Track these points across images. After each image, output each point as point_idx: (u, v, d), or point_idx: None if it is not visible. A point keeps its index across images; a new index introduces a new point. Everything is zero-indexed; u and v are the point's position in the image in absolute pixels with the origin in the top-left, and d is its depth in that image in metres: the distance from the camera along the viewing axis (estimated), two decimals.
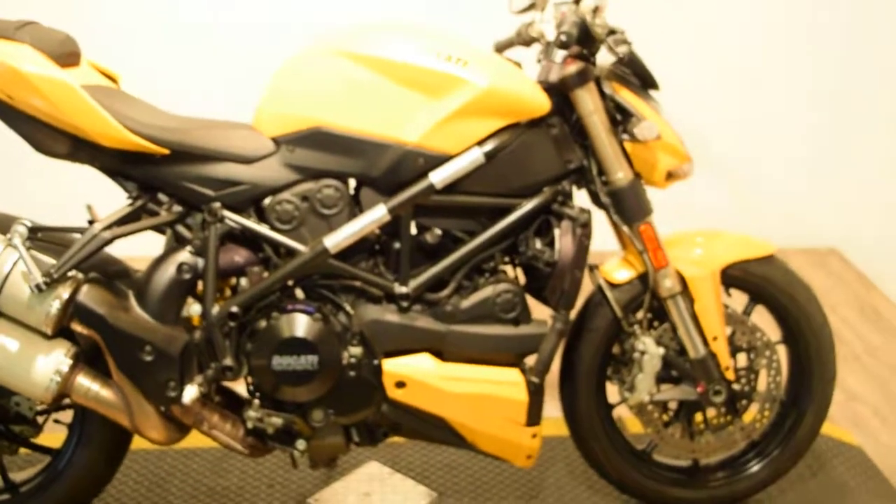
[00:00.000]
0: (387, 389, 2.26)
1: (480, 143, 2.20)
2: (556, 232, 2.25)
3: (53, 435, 2.38)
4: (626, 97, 2.25)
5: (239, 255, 2.25)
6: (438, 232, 2.26)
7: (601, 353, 2.43)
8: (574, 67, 2.21)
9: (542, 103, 2.21)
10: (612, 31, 2.18)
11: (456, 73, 2.15)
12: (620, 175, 2.27)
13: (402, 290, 2.24)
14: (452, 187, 2.22)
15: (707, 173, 4.08)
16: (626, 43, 2.16)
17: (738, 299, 2.47)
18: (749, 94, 4.09)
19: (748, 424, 2.50)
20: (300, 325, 2.21)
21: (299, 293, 2.29)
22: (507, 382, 2.28)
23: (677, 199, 4.17)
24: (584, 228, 2.22)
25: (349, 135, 2.19)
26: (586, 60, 2.24)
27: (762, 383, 2.48)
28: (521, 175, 2.24)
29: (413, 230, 2.27)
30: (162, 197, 2.24)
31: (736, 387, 2.47)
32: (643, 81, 2.32)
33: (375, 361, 2.26)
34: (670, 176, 2.33)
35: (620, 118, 2.26)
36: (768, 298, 2.46)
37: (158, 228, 2.25)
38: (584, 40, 2.16)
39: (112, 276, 2.26)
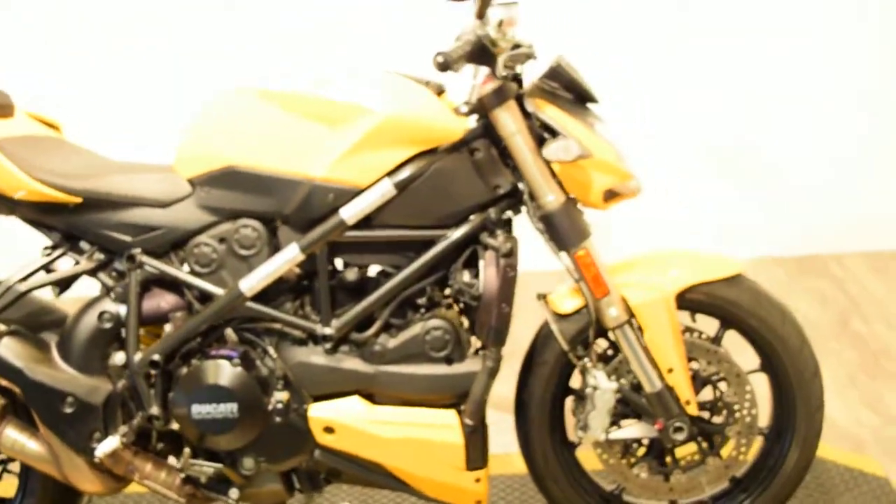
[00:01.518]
0: (315, 435, 2.17)
1: (391, 173, 2.07)
2: (481, 263, 2.11)
3: (9, 483, 2.39)
4: (552, 114, 2.08)
5: (164, 301, 2.20)
6: (358, 269, 2.15)
7: (553, 388, 2.26)
8: (490, 86, 2.06)
9: (452, 128, 2.07)
10: (516, 46, 2.02)
11: (354, 102, 2.04)
12: (551, 198, 2.10)
13: (326, 331, 2.14)
14: (370, 221, 2.10)
15: (756, 180, 3.86)
16: (529, 57, 2.00)
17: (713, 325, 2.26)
18: (799, 95, 3.80)
19: (728, 460, 2.28)
20: (218, 371, 2.13)
21: (234, 335, 2.22)
22: (442, 425, 2.15)
23: (738, 212, 3.99)
24: (507, 258, 2.07)
25: (260, 172, 2.11)
26: (511, 78, 2.09)
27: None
28: (443, 204, 2.11)
29: (341, 266, 2.17)
30: (84, 245, 2.21)
31: (707, 420, 2.25)
32: (578, 96, 2.15)
33: (303, 406, 2.17)
34: (612, 195, 2.14)
35: (549, 137, 2.09)
36: (738, 322, 2.23)
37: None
38: (482, 57, 2.00)
39: (45, 325, 2.25)
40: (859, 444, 2.79)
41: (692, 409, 2.20)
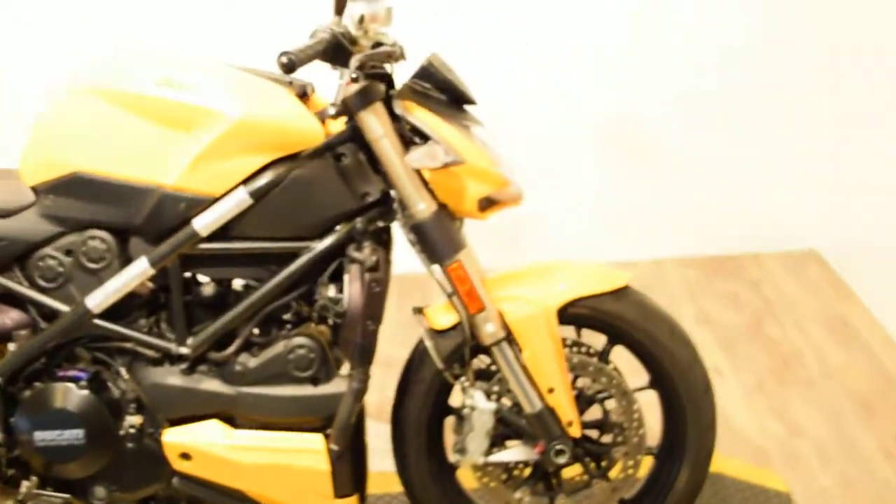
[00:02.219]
0: (171, 462, 2.02)
1: (246, 181, 1.92)
2: (346, 278, 1.96)
3: None
4: (422, 117, 1.94)
5: (8, 318, 2.04)
6: (215, 283, 2.00)
7: (430, 407, 2.12)
8: (355, 87, 1.91)
9: (312, 132, 1.92)
10: (378, 44, 1.88)
11: (202, 105, 1.88)
12: (421, 206, 1.96)
13: (181, 350, 1.99)
14: (227, 232, 1.95)
15: (678, 175, 3.75)
16: (391, 57, 1.86)
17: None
18: (723, 91, 3.69)
19: (615, 482, 2.16)
20: (62, 395, 1.98)
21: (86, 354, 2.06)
22: (306, 450, 2.00)
23: (651, 204, 3.88)
24: (373, 272, 1.93)
25: (107, 179, 1.95)
26: (378, 78, 1.94)
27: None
28: (305, 214, 1.96)
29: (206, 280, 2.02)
30: None
31: (594, 440, 2.14)
32: (454, 97, 2.00)
33: (158, 431, 2.01)
34: (489, 204, 2.00)
35: (420, 142, 1.95)
36: (625, 337, 2.11)
37: None
38: (339, 56, 1.86)
39: None
40: (763, 456, 2.69)
41: (575, 431, 2.08)
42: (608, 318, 2.08)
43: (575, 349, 2.16)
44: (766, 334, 3.31)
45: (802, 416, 2.87)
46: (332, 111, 1.95)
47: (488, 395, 2.07)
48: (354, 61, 1.81)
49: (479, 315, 2.00)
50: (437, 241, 1.97)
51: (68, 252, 1.99)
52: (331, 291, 1.98)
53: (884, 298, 3.34)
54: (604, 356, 2.14)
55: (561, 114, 3.73)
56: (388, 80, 1.97)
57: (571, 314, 2.07)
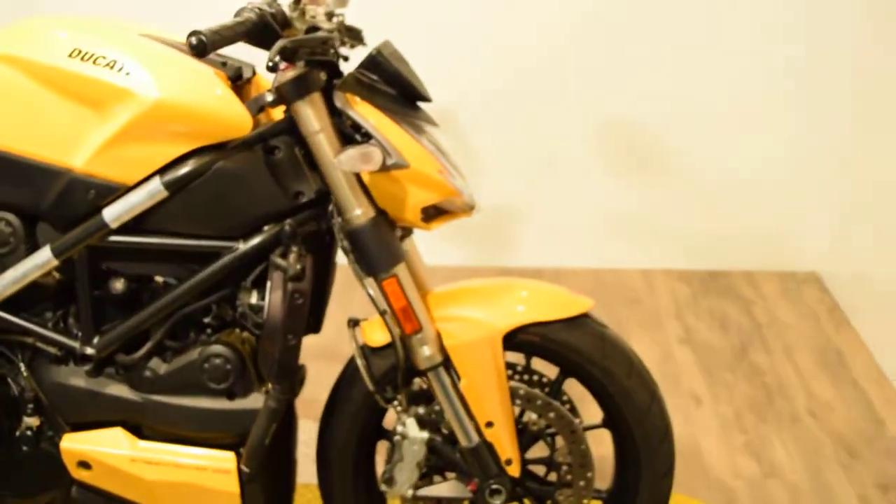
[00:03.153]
0: (70, 469, 1.84)
1: (162, 171, 1.73)
2: (269, 285, 1.77)
3: None
4: (365, 113, 1.74)
5: None
6: (126, 279, 1.82)
7: (359, 430, 1.93)
8: (291, 73, 1.71)
9: (238, 121, 1.72)
10: (313, 28, 1.67)
11: (114, 82, 1.68)
12: (357, 212, 1.76)
13: (86, 349, 1.81)
14: (142, 225, 1.76)
15: (675, 182, 3.53)
16: (325, 44, 1.65)
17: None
18: (729, 93, 3.47)
19: None
20: None
21: None
22: (216, 469, 1.83)
23: (644, 211, 3.65)
24: (295, 282, 1.73)
25: (13, 157, 1.76)
26: (320, 65, 1.74)
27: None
28: (228, 211, 1.77)
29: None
30: None
31: (539, 479, 1.95)
32: (406, 92, 1.80)
33: (58, 435, 1.84)
34: (437, 213, 1.81)
35: (361, 140, 1.75)
36: (578, 371, 1.91)
37: None
38: (266, 40, 1.65)
39: None
40: (731, 499, 2.49)
41: (514, 470, 1.89)
42: (560, 348, 1.88)
43: (526, 377, 1.97)
44: (751, 361, 3.10)
45: (780, 455, 2.67)
46: (269, 98, 1.75)
47: (423, 422, 1.88)
48: (277, 46, 1.59)
49: (416, 336, 1.81)
50: (372, 252, 1.77)
51: None
52: (253, 298, 1.80)
53: (883, 334, 3.12)
54: (555, 388, 1.95)
55: (560, 116, 3.51)
56: (333, 68, 1.77)
57: (520, 341, 1.88)
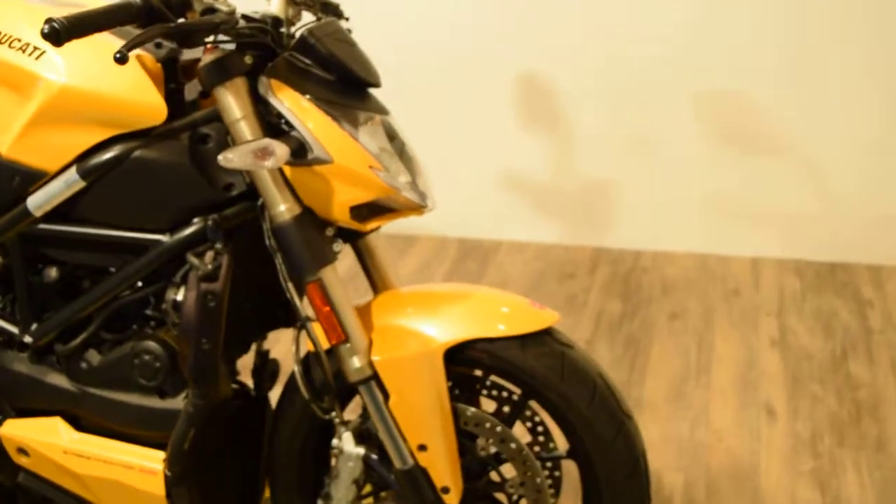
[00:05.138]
0: (12, 455, 1.83)
1: (79, 159, 1.64)
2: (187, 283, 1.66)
3: None
4: (289, 101, 1.58)
5: None
6: (59, 267, 1.76)
7: (302, 438, 1.81)
8: (211, 56, 1.57)
9: (150, 109, 1.60)
10: (210, 10, 1.51)
11: (23, 66, 1.61)
12: (282, 208, 1.61)
13: (24, 337, 1.78)
14: (69, 214, 1.69)
15: (793, 163, 3.16)
16: (223, 29, 1.49)
17: None
18: (846, 68, 3.04)
19: None
20: None
21: None
22: (142, 469, 1.76)
23: (758, 193, 3.26)
24: (209, 283, 1.61)
25: None
26: (252, 48, 1.59)
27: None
28: (152, 202, 1.67)
29: None
30: None
31: None
32: (348, 77, 1.62)
33: (2, 419, 1.83)
34: (373, 212, 1.63)
35: (288, 129, 1.60)
36: (536, 395, 1.69)
37: None
38: (149, 18, 1.50)
39: None
40: None
41: (453, 499, 1.70)
42: (511, 368, 1.67)
43: (495, 392, 1.77)
44: (848, 371, 2.73)
45: (851, 487, 2.32)
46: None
47: (363, 437, 1.73)
48: (153, 29, 1.44)
49: (343, 346, 1.65)
50: (296, 251, 1.62)
51: None
52: (179, 295, 1.70)
53: None
54: (516, 411, 1.74)
55: (658, 88, 3.20)
56: (268, 52, 1.62)
57: (470, 357, 1.68)
